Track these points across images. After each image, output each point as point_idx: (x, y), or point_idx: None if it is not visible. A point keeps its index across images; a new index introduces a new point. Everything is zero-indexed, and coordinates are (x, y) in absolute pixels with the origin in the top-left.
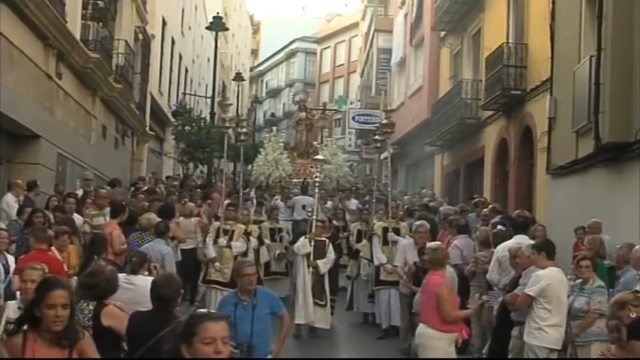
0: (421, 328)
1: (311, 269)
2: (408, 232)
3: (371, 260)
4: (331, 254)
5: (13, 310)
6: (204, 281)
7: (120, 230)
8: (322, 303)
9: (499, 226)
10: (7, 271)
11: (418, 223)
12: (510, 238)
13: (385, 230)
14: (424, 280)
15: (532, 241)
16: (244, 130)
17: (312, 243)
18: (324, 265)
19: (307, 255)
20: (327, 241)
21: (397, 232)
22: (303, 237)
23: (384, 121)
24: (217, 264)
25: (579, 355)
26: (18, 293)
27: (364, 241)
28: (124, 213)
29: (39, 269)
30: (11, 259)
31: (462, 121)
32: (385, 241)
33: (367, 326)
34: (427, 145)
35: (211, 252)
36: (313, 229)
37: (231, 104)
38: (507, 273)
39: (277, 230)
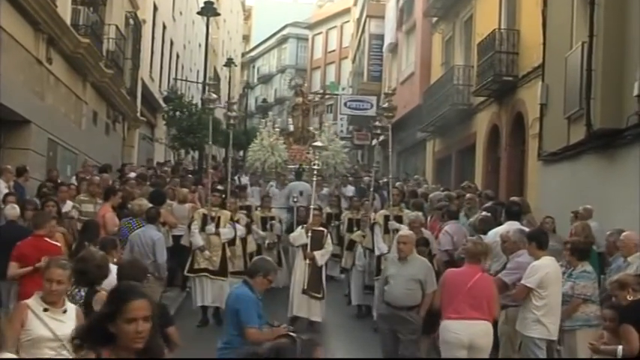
0: (487, 326)
1: (308, 261)
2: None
3: (372, 250)
4: (329, 246)
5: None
6: (191, 271)
7: (113, 213)
8: (319, 296)
9: (483, 213)
10: None
11: (412, 215)
12: (498, 224)
13: (387, 218)
14: (461, 276)
15: (522, 227)
16: (234, 113)
17: (309, 234)
18: (321, 256)
19: (303, 246)
20: (325, 231)
21: (399, 219)
22: (300, 227)
23: (385, 105)
24: (207, 252)
25: (565, 341)
26: (36, 295)
27: (359, 232)
28: (115, 196)
29: (67, 268)
30: None
31: (454, 108)
32: (387, 230)
33: (362, 318)
34: (419, 131)
35: (198, 240)
36: (310, 218)
37: (213, 83)
38: (499, 259)
39: (269, 219)
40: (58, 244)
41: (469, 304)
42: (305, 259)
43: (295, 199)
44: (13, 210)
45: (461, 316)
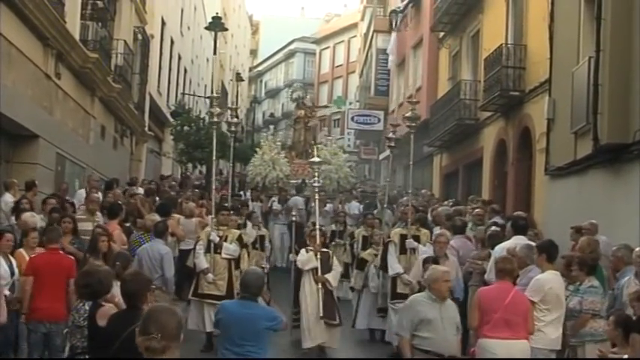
0: (525, 345)
1: (320, 285)
2: (429, 240)
3: (386, 270)
4: (337, 267)
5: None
6: (195, 294)
7: (120, 230)
8: (336, 322)
9: (492, 227)
10: (12, 272)
11: (439, 232)
12: (505, 238)
13: (403, 237)
14: (496, 293)
15: (529, 242)
16: (236, 120)
17: (319, 256)
18: (333, 278)
19: (313, 270)
20: (331, 252)
21: (417, 239)
22: (305, 250)
23: (408, 114)
24: (210, 275)
25: (574, 356)
26: None
27: (370, 250)
28: (122, 212)
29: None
30: (14, 262)
31: (461, 122)
32: (402, 250)
33: (375, 344)
34: (426, 145)
35: (202, 262)
36: (317, 240)
37: (218, 97)
38: None
39: (258, 238)
40: (72, 258)
41: (506, 323)
42: (317, 283)
43: (294, 216)
44: (33, 218)
45: (499, 336)
